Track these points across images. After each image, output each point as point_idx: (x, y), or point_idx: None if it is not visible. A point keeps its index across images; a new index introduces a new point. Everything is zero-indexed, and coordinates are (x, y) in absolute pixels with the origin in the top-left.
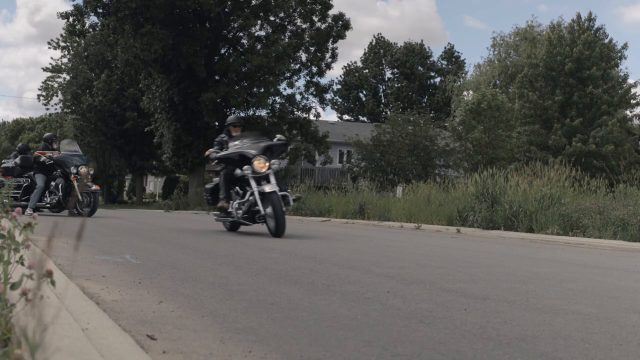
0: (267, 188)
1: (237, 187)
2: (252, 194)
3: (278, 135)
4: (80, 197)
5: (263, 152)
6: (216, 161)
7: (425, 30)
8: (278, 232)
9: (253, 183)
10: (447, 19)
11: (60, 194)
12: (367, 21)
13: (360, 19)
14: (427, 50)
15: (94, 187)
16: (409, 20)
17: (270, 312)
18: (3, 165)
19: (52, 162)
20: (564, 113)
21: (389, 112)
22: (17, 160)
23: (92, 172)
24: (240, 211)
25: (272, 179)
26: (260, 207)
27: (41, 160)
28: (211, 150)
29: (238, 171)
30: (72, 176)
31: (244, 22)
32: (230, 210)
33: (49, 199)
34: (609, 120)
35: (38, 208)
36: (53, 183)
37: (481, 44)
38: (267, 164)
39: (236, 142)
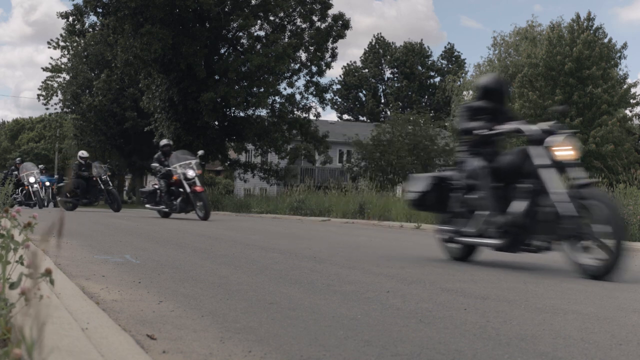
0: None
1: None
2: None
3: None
4: None
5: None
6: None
7: (422, 30)
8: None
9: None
10: (444, 19)
11: None
12: (363, 20)
13: (356, 18)
14: (427, 49)
15: None
16: (405, 19)
17: (270, 312)
18: None
19: None
20: (564, 113)
21: (388, 112)
22: None
23: None
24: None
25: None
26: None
27: None
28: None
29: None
30: None
31: (244, 22)
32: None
33: None
34: (608, 120)
35: None
36: None
37: (478, 44)
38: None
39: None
